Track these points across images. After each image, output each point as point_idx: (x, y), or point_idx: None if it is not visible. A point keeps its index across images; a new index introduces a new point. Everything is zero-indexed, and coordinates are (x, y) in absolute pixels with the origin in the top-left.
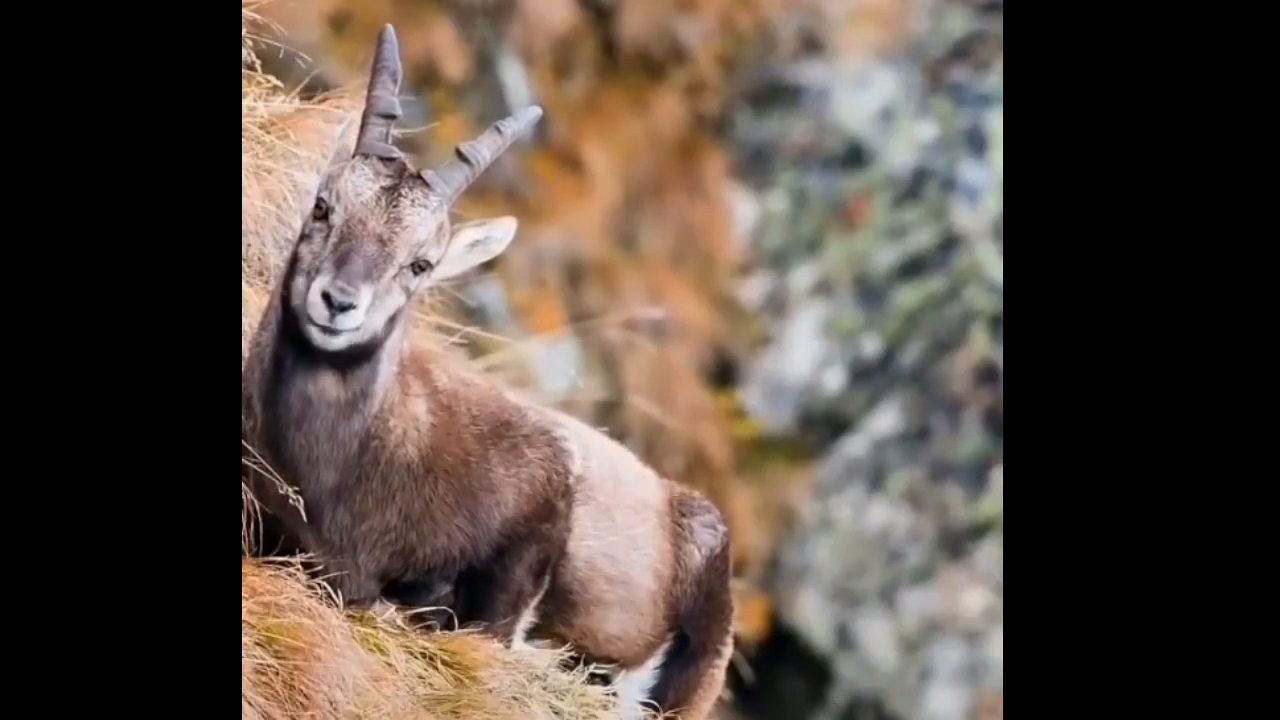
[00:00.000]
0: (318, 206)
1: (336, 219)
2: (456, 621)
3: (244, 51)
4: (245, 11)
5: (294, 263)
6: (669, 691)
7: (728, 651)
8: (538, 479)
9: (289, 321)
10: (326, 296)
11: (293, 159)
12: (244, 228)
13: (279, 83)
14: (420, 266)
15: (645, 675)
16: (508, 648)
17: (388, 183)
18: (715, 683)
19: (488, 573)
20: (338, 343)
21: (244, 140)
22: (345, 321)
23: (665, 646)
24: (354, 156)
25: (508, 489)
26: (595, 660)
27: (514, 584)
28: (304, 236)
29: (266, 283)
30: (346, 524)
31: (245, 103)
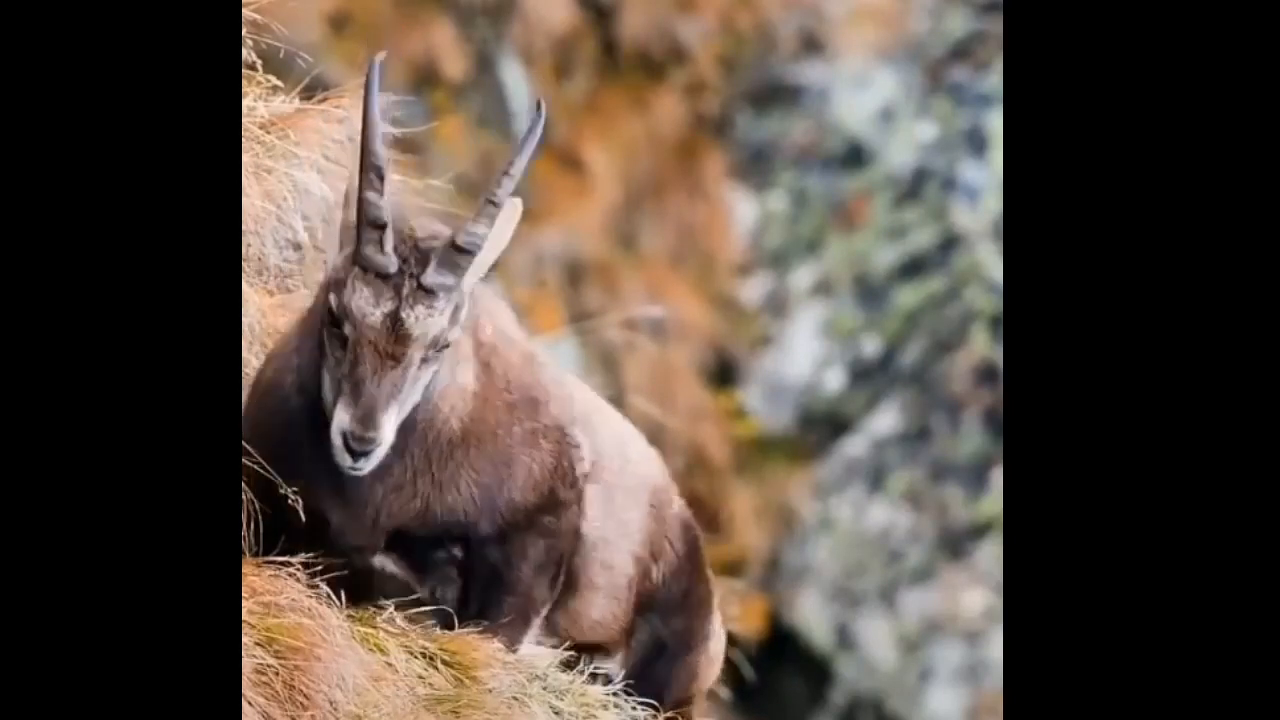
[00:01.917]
0: (330, 312)
1: (349, 334)
2: (456, 621)
3: (244, 51)
4: (245, 11)
5: (320, 345)
6: (666, 691)
7: (718, 633)
8: (547, 465)
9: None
10: (345, 441)
11: (293, 159)
12: (244, 228)
13: (279, 83)
14: (442, 346)
15: (624, 666)
16: (514, 653)
17: (389, 307)
18: (712, 664)
19: (495, 574)
20: (363, 472)
21: (244, 140)
22: (369, 461)
23: (645, 642)
24: (353, 265)
25: (520, 465)
26: (576, 646)
27: (522, 585)
28: (325, 322)
29: (266, 283)
30: (378, 495)
31: (245, 103)
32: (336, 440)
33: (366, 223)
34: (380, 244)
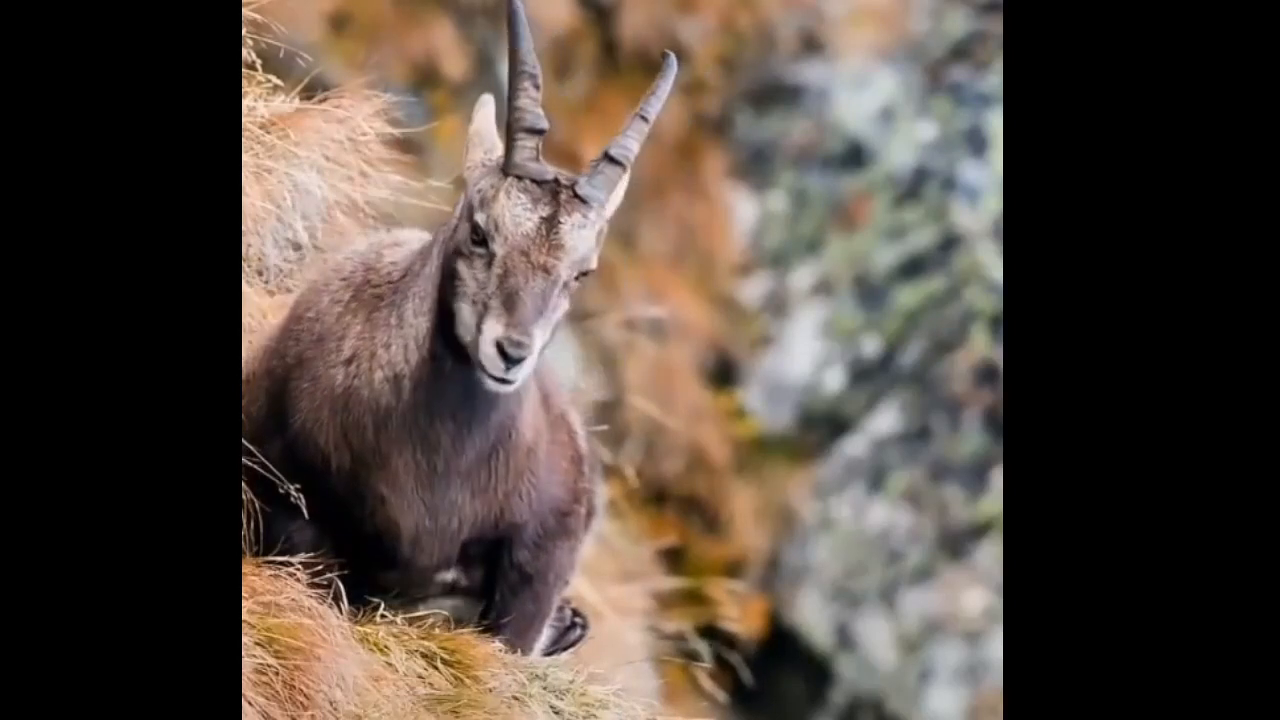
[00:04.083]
0: (474, 231)
1: (497, 249)
2: (471, 626)
3: (244, 51)
4: (245, 11)
5: (453, 277)
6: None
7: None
8: (567, 454)
9: (447, 326)
10: (500, 349)
11: (293, 159)
12: (244, 228)
13: (279, 82)
14: (583, 274)
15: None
16: (525, 655)
17: (546, 211)
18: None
19: (524, 582)
20: (513, 387)
21: (244, 140)
22: (520, 371)
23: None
24: (505, 177)
25: (554, 460)
26: None
27: (545, 597)
28: (459, 253)
29: (266, 283)
30: (464, 501)
31: (245, 103)
32: (489, 350)
33: (522, 130)
34: (537, 151)
